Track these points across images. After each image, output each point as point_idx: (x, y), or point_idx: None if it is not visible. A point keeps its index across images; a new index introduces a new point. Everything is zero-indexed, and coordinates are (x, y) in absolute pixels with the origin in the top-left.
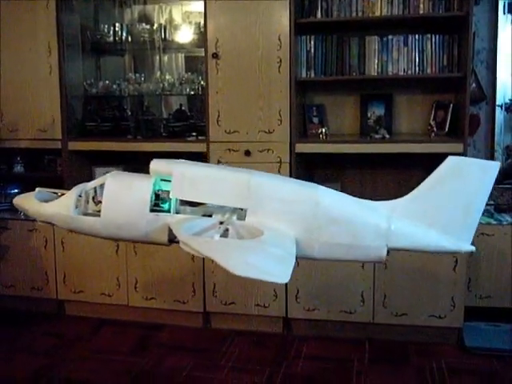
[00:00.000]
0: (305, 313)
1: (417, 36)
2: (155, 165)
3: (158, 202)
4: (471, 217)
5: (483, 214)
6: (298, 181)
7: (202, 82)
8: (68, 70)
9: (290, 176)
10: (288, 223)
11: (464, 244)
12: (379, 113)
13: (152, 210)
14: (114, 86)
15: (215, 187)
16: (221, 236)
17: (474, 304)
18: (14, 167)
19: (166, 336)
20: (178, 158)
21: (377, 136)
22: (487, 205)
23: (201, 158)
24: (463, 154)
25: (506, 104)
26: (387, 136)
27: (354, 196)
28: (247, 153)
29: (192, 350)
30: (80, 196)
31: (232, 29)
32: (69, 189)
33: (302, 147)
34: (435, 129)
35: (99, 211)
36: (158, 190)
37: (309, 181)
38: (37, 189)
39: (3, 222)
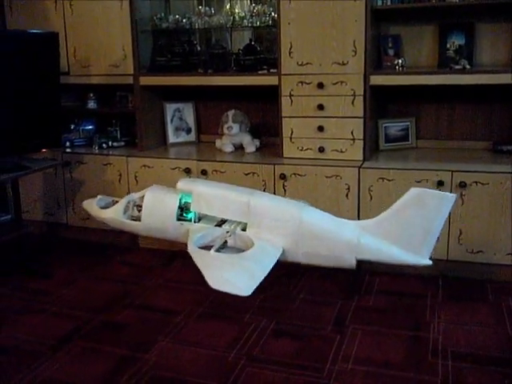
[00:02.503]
0: None
1: None
2: (180, 185)
3: (183, 212)
4: (429, 238)
5: None
6: (290, 201)
7: (273, 14)
8: (138, 4)
9: (364, 110)
10: (278, 236)
11: (422, 259)
12: (459, 43)
13: (179, 219)
14: (184, 20)
15: (224, 205)
16: (219, 247)
17: None
18: (88, 103)
19: None
20: (248, 93)
21: (457, 67)
22: None
23: (272, 92)
24: None
25: None
26: (468, 67)
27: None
28: (320, 85)
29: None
30: (128, 203)
31: None
32: (142, 125)
33: (377, 79)
34: None
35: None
36: (184, 203)
37: (383, 116)
38: (98, 196)
39: (79, 156)
